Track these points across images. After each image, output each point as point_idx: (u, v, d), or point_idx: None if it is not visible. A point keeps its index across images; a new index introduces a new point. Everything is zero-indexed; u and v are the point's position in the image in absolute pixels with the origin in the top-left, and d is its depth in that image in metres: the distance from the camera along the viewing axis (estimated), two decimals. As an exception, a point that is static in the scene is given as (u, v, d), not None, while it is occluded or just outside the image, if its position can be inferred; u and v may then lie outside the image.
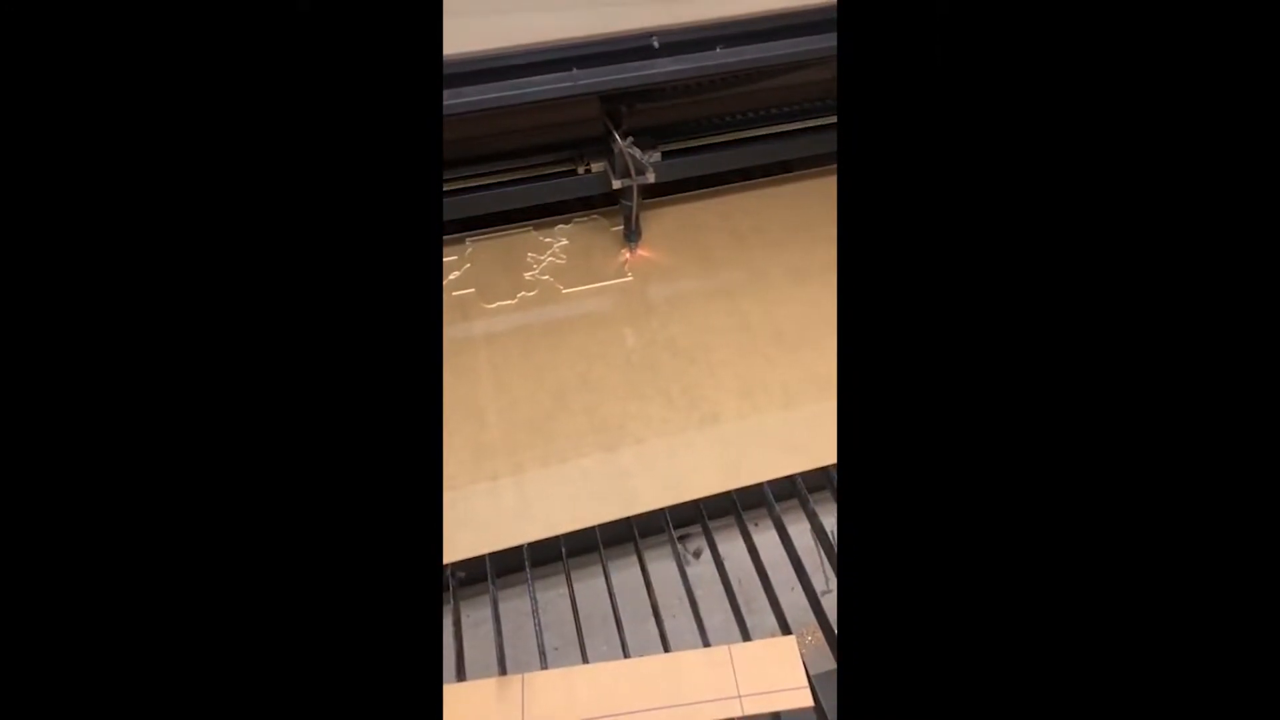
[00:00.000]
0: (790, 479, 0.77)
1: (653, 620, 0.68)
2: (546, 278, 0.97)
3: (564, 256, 1.00)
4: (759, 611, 0.70)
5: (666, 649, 0.66)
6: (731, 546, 0.74)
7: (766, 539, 0.73)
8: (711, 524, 0.75)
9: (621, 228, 1.01)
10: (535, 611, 0.68)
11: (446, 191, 0.94)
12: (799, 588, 0.70)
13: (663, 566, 0.73)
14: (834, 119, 1.01)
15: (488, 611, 0.68)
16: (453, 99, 0.73)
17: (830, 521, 0.75)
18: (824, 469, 0.78)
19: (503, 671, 0.63)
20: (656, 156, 0.93)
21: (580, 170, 0.97)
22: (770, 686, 0.61)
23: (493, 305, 0.94)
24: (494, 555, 0.72)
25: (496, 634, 0.66)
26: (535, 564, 0.72)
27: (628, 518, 0.75)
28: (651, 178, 0.93)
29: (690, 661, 0.63)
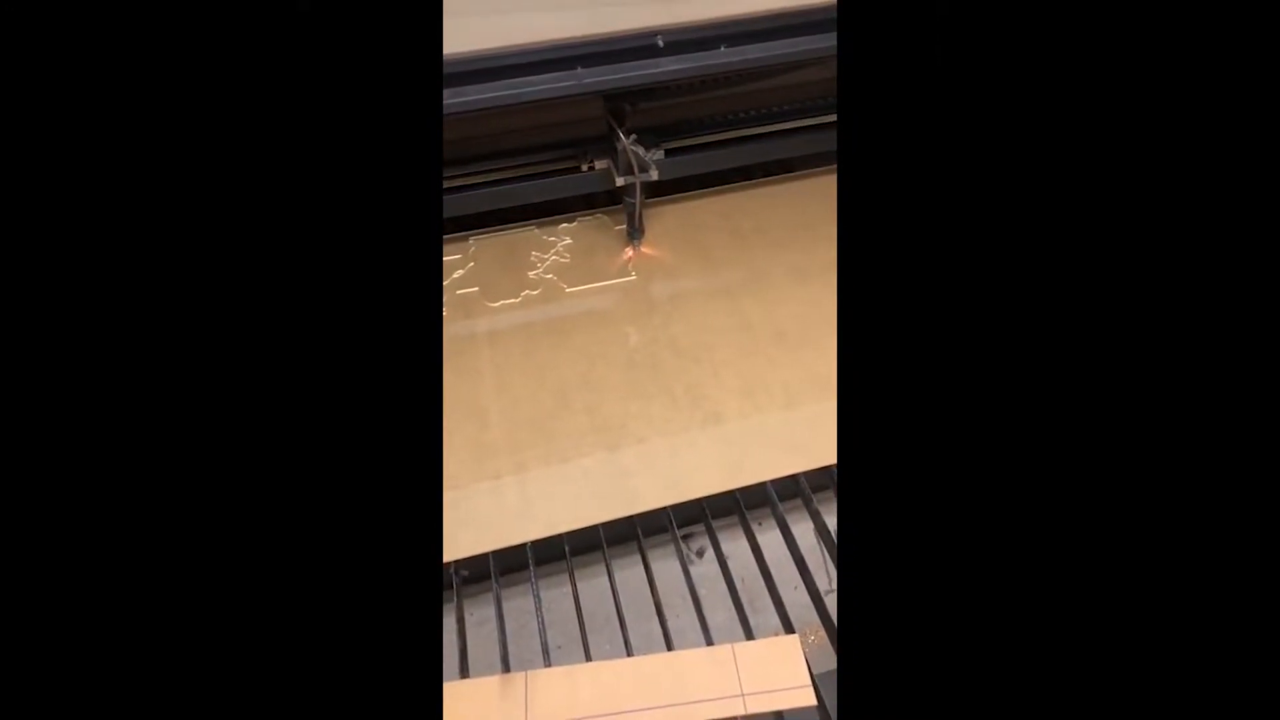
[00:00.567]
0: (793, 478, 0.77)
1: (656, 619, 0.68)
2: (550, 276, 0.97)
3: (567, 255, 1.00)
4: (762, 611, 0.71)
5: (670, 648, 0.66)
6: (735, 545, 0.74)
7: (770, 538, 0.74)
8: (715, 523, 0.75)
9: (624, 227, 1.01)
10: (539, 610, 0.68)
11: (450, 189, 0.94)
12: (802, 587, 0.70)
13: (666, 565, 0.73)
14: (834, 118, 1.01)
15: (491, 610, 0.69)
16: (459, 98, 0.73)
17: (833, 520, 0.75)
18: (827, 468, 0.78)
19: (506, 670, 0.63)
20: (660, 154, 0.93)
21: (584, 168, 0.97)
22: (773, 685, 0.61)
23: (496, 304, 0.95)
24: (498, 554, 0.72)
25: (500, 632, 0.67)
26: (539, 562, 0.72)
27: (631, 517, 0.75)
28: (654, 175, 0.93)
29: (693, 660, 0.63)
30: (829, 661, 0.67)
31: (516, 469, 0.79)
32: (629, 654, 0.65)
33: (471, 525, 0.74)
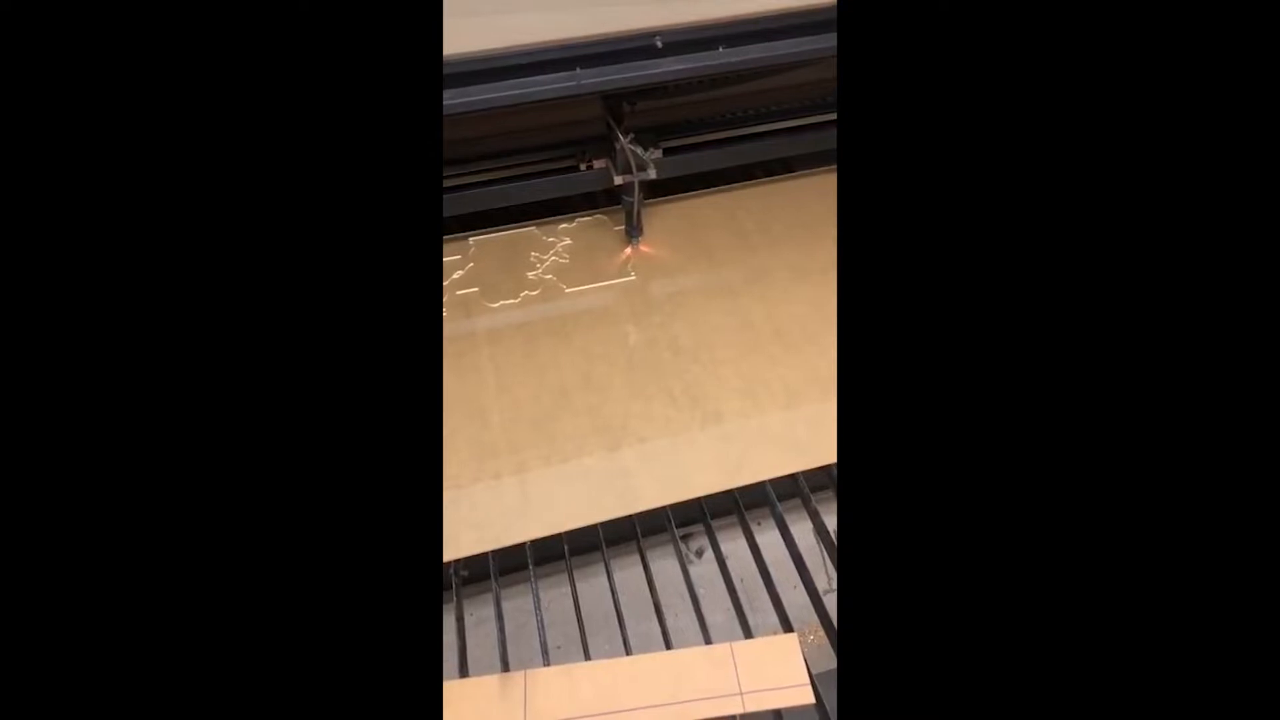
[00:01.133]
0: (792, 478, 0.77)
1: (655, 619, 0.69)
2: (549, 276, 0.98)
3: (567, 255, 1.00)
4: (761, 610, 0.71)
5: (669, 647, 0.66)
6: (734, 545, 0.74)
7: (769, 538, 0.74)
8: (714, 523, 0.75)
9: (624, 227, 1.01)
10: (538, 609, 0.68)
11: (449, 188, 0.94)
12: (801, 586, 0.70)
13: (665, 565, 0.73)
14: (835, 116, 1.01)
15: (491, 610, 0.69)
16: (459, 98, 0.73)
17: (832, 520, 0.75)
18: (826, 468, 0.78)
19: (506, 670, 0.64)
20: (658, 153, 0.94)
21: (582, 167, 0.97)
22: (771, 684, 0.61)
23: (496, 304, 0.95)
24: (497, 553, 0.72)
25: (499, 632, 0.67)
26: (538, 562, 0.72)
27: (630, 516, 0.75)
28: (653, 173, 0.93)
29: (692, 659, 0.63)
30: (828, 661, 0.67)
31: (517, 469, 0.79)
32: (628, 654, 0.65)
33: (472, 524, 0.74)
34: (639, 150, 0.90)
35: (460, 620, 0.68)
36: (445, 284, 0.96)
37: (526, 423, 0.83)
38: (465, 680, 0.63)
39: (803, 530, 0.75)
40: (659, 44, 0.75)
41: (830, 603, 0.68)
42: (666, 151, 0.96)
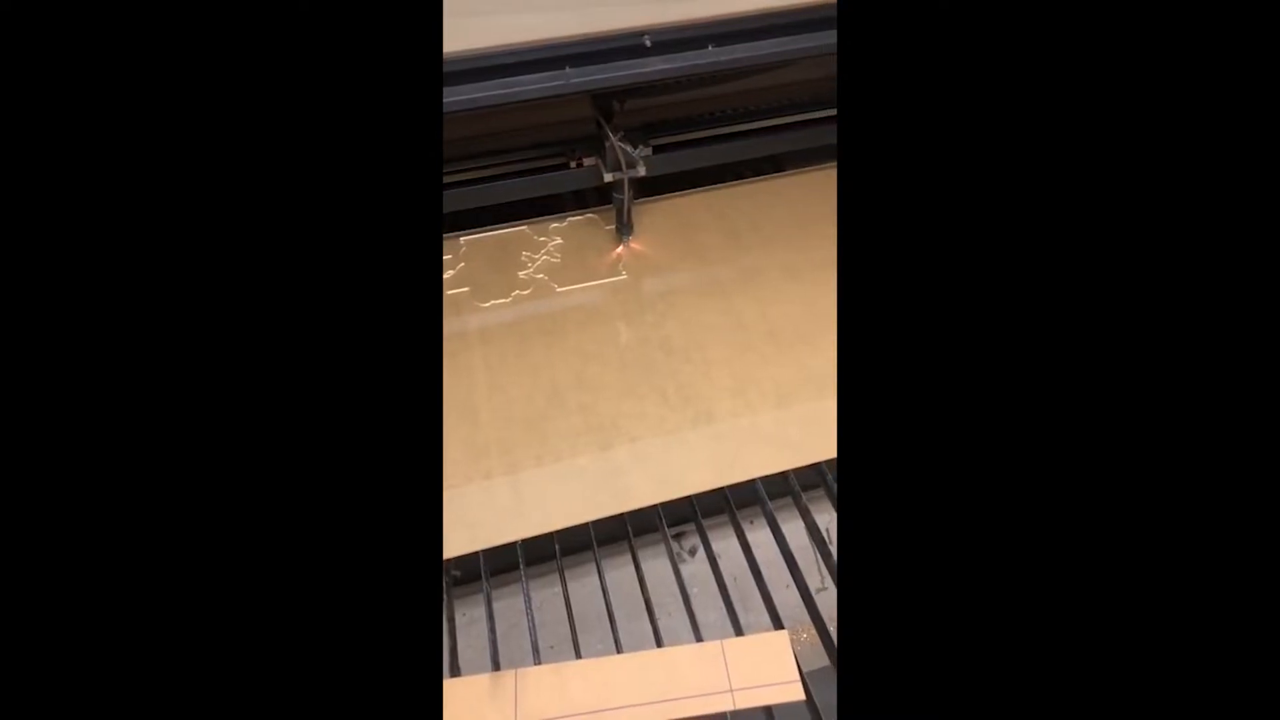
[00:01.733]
0: (784, 476, 0.77)
1: (647, 618, 0.69)
2: (541, 276, 0.97)
3: (558, 255, 1.00)
4: (753, 609, 0.71)
5: (660, 647, 0.66)
6: (726, 544, 0.74)
7: (760, 536, 0.74)
8: (705, 522, 0.75)
9: (614, 226, 1.01)
10: (529, 610, 0.68)
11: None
12: (793, 585, 0.70)
13: (657, 564, 0.73)
14: (825, 114, 1.01)
15: (482, 610, 0.69)
16: (449, 97, 0.73)
17: (824, 519, 0.75)
18: (817, 466, 0.78)
19: (497, 670, 0.64)
20: (647, 151, 0.93)
21: (572, 165, 0.97)
22: (762, 681, 0.61)
23: (487, 303, 0.95)
24: (488, 554, 0.72)
25: (491, 632, 0.67)
26: (529, 563, 0.72)
27: (622, 516, 0.75)
28: (642, 171, 0.93)
29: (682, 656, 0.63)
30: (819, 659, 0.67)
31: (509, 468, 0.79)
32: (620, 653, 0.65)
33: (464, 524, 0.74)
34: (628, 148, 0.90)
35: (451, 620, 0.68)
36: (436, 284, 0.96)
37: (518, 422, 0.83)
38: (456, 680, 0.63)
39: (794, 529, 0.75)
40: (648, 43, 0.75)
41: (822, 601, 0.69)
42: (656, 149, 0.95)
